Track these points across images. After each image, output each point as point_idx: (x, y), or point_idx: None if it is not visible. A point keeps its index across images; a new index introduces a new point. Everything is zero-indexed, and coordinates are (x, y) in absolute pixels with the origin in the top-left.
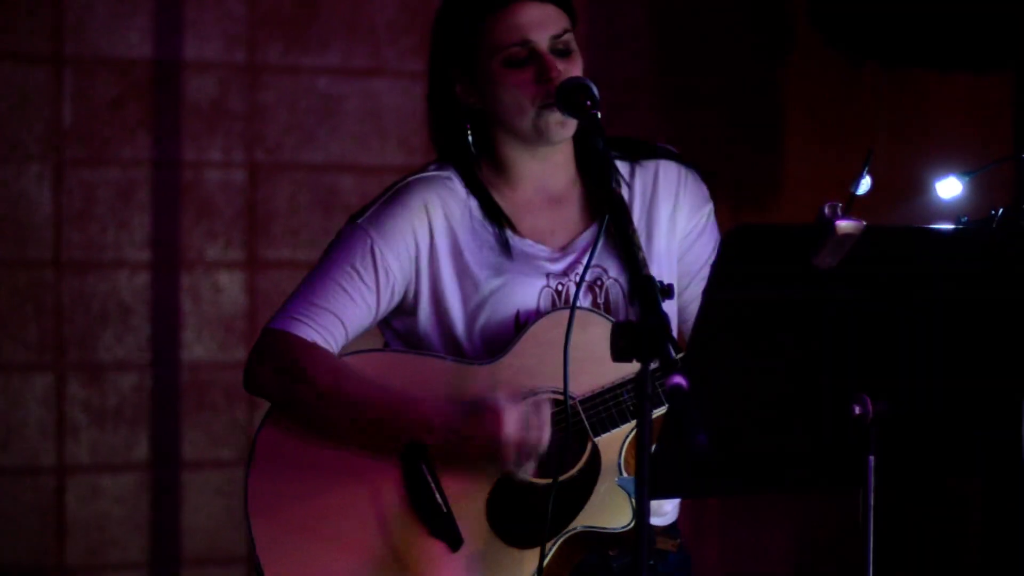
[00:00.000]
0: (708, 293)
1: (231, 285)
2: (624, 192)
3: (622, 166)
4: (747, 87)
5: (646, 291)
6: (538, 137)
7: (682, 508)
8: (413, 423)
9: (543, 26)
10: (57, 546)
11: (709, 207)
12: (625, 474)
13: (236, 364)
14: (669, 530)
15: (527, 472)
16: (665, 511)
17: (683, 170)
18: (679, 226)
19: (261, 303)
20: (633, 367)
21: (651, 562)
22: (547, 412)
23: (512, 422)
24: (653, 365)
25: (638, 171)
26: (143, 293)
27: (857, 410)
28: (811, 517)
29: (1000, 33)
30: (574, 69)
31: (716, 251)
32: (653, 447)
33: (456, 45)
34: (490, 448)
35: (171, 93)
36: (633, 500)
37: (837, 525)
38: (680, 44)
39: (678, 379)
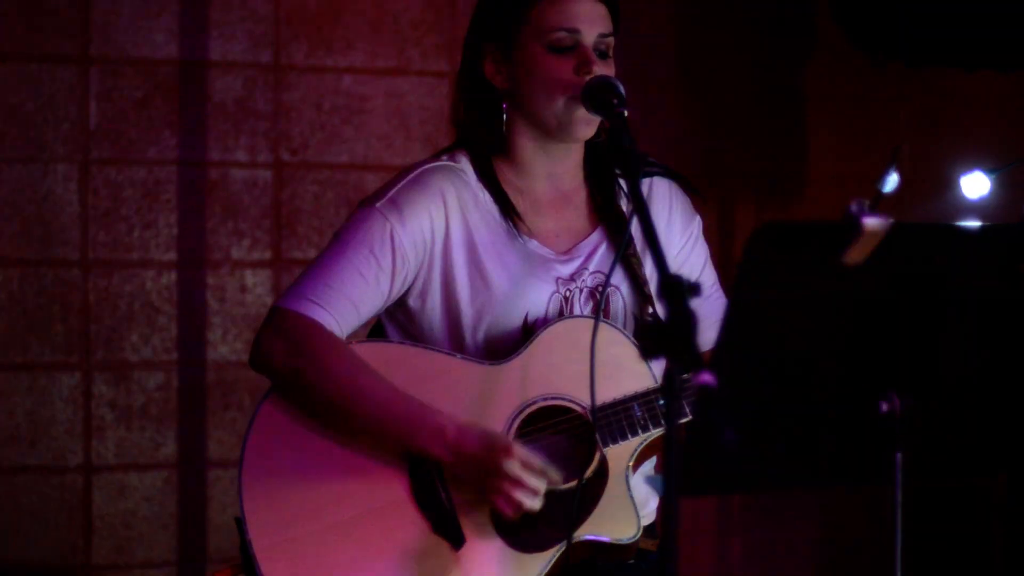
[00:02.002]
0: (735, 290)
1: (257, 284)
2: (623, 205)
3: (623, 180)
4: (771, 87)
5: (675, 289)
6: (560, 131)
7: (707, 505)
8: (427, 435)
9: (594, 21)
10: (84, 545)
11: (697, 220)
12: (632, 485)
13: None
14: (650, 529)
15: (519, 511)
16: (646, 511)
17: (672, 185)
18: (673, 239)
19: None
20: (644, 381)
21: (631, 561)
22: (543, 486)
23: (516, 464)
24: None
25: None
26: (169, 292)
27: (885, 407)
28: (835, 515)
29: None
30: (608, 72)
31: (742, 250)
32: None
33: (500, 20)
34: (485, 473)
35: (197, 93)
36: (639, 511)
37: (861, 523)
38: (703, 44)
39: (706, 376)
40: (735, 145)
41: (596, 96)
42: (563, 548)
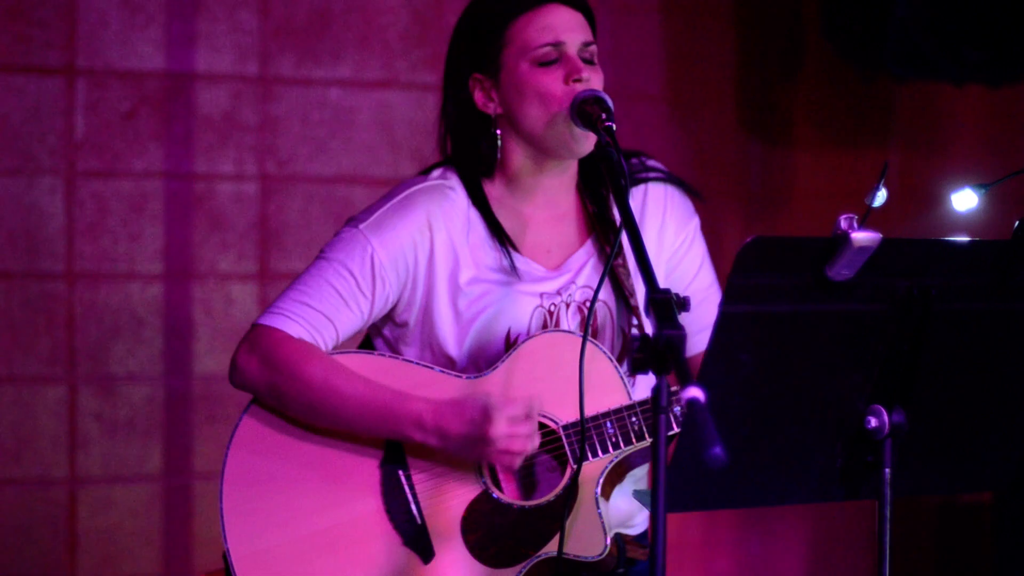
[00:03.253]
0: (723, 305)
1: (243, 297)
2: (616, 216)
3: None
4: (759, 99)
5: (663, 304)
6: (559, 148)
7: (695, 520)
8: (403, 417)
9: (574, 30)
10: (69, 558)
11: (694, 221)
12: (601, 505)
13: None
14: (639, 539)
15: (515, 465)
16: (635, 522)
17: (669, 188)
18: (667, 243)
19: None
20: (619, 398)
21: (620, 570)
22: (534, 423)
23: (500, 423)
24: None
25: (631, 195)
26: (155, 305)
27: (872, 422)
28: (823, 530)
29: (1014, 47)
30: (596, 79)
31: (732, 264)
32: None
33: (481, 48)
34: (476, 446)
35: (183, 105)
36: (607, 528)
37: (849, 537)
38: (692, 56)
39: (694, 391)
40: (722, 157)
41: (584, 112)
42: (532, 562)
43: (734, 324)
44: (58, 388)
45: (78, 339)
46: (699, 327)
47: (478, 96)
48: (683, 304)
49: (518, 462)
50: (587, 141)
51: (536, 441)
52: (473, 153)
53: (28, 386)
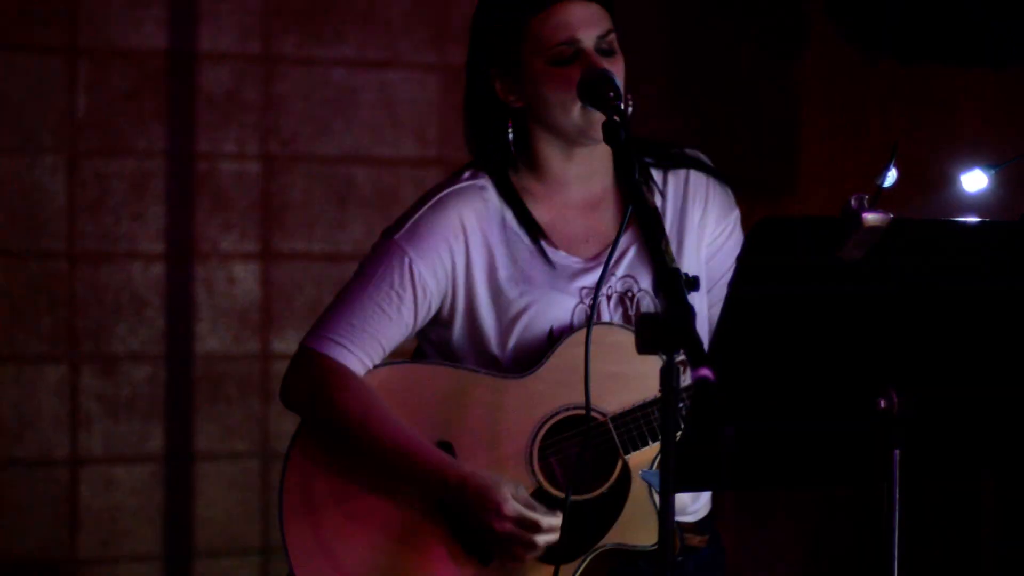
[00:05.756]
0: (733, 286)
1: (245, 277)
2: (657, 200)
3: (656, 173)
4: (763, 83)
5: (672, 283)
6: (582, 136)
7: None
8: (429, 479)
9: (589, 25)
10: (70, 538)
11: (735, 213)
12: (655, 494)
13: (250, 356)
14: (699, 526)
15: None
16: (694, 509)
17: (710, 178)
18: (707, 231)
19: (275, 295)
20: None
21: (680, 559)
22: (556, 520)
23: (507, 518)
24: (679, 357)
25: (670, 178)
26: (157, 285)
27: (883, 404)
28: (825, 515)
29: (1020, 29)
30: (616, 69)
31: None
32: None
33: (497, 43)
34: (486, 530)
35: (186, 84)
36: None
37: (852, 524)
38: (695, 40)
39: (705, 372)
40: (726, 141)
41: (590, 90)
42: (588, 558)
43: (743, 306)
44: (60, 368)
45: (80, 319)
46: None
47: (499, 89)
48: (692, 283)
49: (512, 560)
50: (595, 120)
51: (538, 551)
52: (498, 146)
53: (30, 366)
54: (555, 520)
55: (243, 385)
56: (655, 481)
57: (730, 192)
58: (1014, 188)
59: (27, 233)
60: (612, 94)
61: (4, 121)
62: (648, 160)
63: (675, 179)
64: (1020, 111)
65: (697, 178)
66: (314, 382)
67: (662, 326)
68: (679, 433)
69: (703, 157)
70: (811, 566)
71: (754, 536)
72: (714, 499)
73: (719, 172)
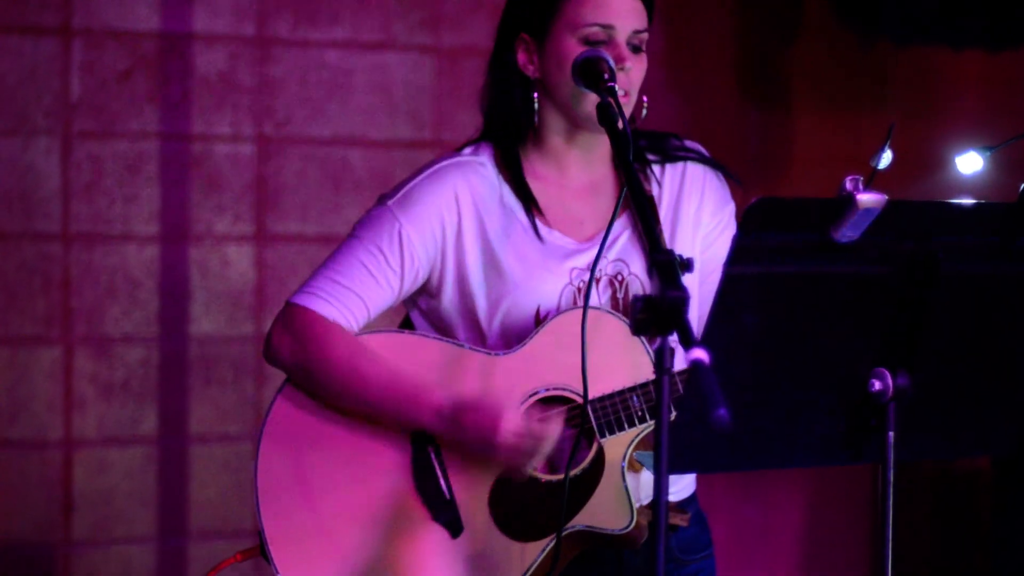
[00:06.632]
0: (728, 266)
1: (239, 259)
2: (655, 191)
3: (653, 163)
4: (757, 64)
5: (667, 264)
6: (590, 121)
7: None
8: (422, 405)
9: (629, 16)
10: (64, 520)
11: (731, 206)
12: (628, 478)
13: (244, 338)
14: (682, 505)
15: (523, 473)
16: (676, 488)
17: (707, 170)
18: (703, 222)
19: (269, 277)
20: (646, 372)
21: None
22: (556, 426)
23: (509, 428)
24: (672, 338)
25: (668, 170)
26: (151, 267)
27: (876, 385)
28: (820, 496)
29: (1014, 12)
30: (638, 68)
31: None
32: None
33: (534, 10)
34: (485, 447)
35: (180, 66)
36: (632, 502)
37: (845, 506)
38: (689, 21)
39: (699, 353)
40: (720, 122)
41: (585, 71)
42: (560, 536)
43: (739, 285)
44: (53, 350)
45: (73, 301)
46: None
47: (520, 56)
48: (686, 265)
49: (527, 464)
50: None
51: (538, 461)
52: (508, 114)
53: (23, 348)
54: (555, 427)
55: (237, 367)
56: (649, 463)
57: (726, 185)
58: (1009, 169)
59: (21, 215)
60: (607, 75)
61: None
62: (644, 146)
63: (672, 171)
64: (1015, 93)
65: (694, 169)
66: (297, 333)
67: (657, 307)
68: (672, 416)
69: (702, 149)
70: (807, 545)
71: (750, 514)
72: (699, 478)
73: (718, 164)
